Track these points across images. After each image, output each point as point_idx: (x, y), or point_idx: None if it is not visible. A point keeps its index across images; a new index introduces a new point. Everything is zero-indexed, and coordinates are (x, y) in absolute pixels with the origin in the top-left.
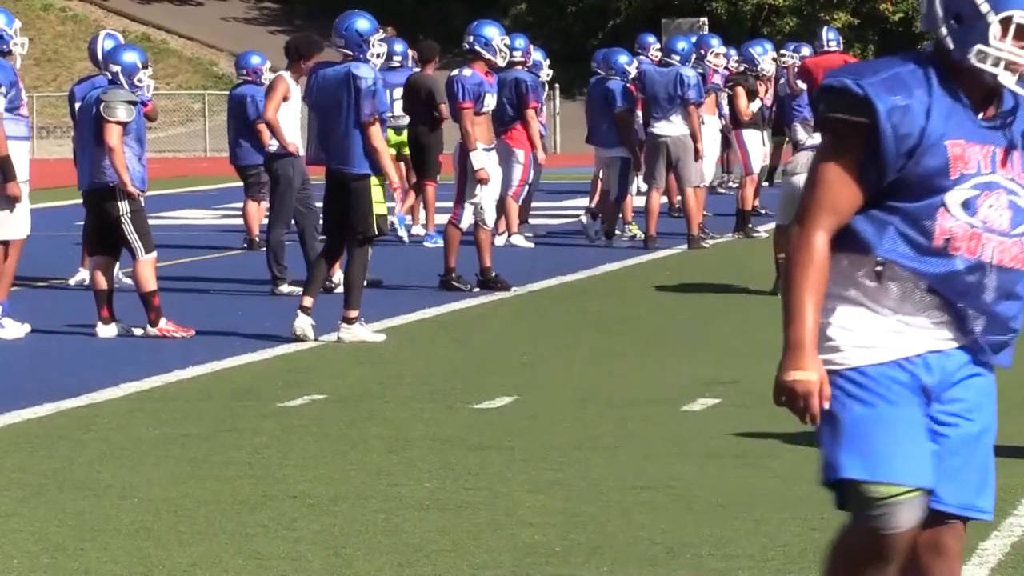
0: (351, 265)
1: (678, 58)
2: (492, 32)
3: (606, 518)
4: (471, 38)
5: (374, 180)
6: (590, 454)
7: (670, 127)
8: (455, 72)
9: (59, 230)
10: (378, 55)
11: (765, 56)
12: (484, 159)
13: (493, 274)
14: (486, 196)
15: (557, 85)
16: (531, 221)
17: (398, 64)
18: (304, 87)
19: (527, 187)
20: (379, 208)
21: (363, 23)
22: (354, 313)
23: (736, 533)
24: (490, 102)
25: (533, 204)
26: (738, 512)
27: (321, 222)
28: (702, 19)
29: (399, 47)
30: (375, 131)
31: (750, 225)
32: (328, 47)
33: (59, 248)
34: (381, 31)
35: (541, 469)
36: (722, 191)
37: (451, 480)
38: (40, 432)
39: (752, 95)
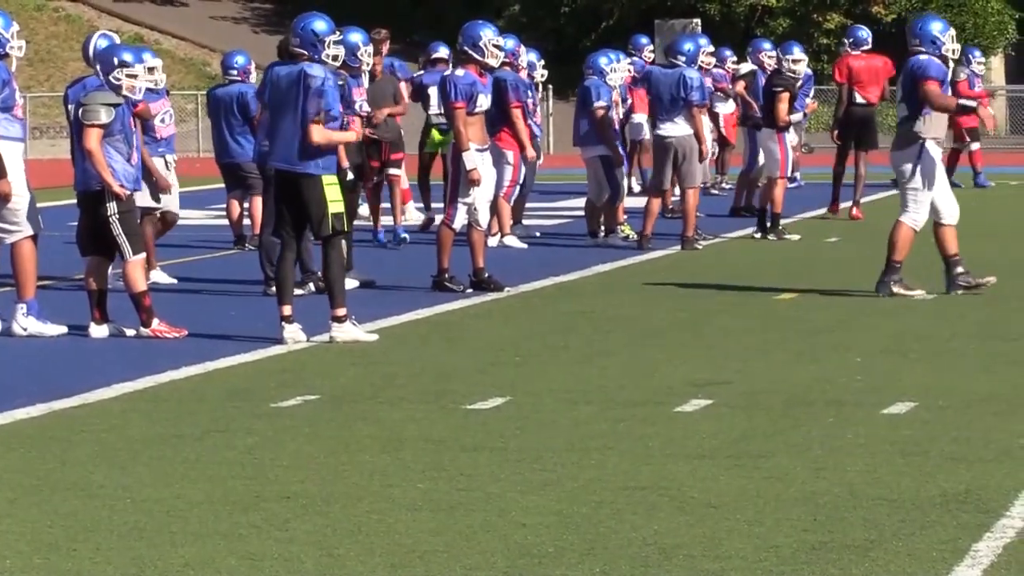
0: (327, 265)
1: (683, 59)
2: (481, 33)
3: (599, 519)
4: (461, 39)
5: (328, 180)
6: (583, 455)
7: (675, 128)
8: (447, 72)
9: (52, 230)
10: (334, 57)
11: (787, 57)
12: (477, 159)
13: (486, 275)
14: (479, 197)
15: (550, 86)
16: (524, 222)
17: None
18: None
19: (518, 187)
20: (335, 207)
21: (320, 24)
22: (342, 311)
23: (729, 534)
24: (483, 102)
25: (527, 205)
26: (730, 513)
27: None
28: (695, 20)
29: (443, 49)
30: (316, 129)
31: (780, 227)
32: None
33: (52, 248)
34: (338, 32)
35: (534, 470)
36: (715, 192)
37: (444, 481)
38: (32, 432)
39: (794, 100)
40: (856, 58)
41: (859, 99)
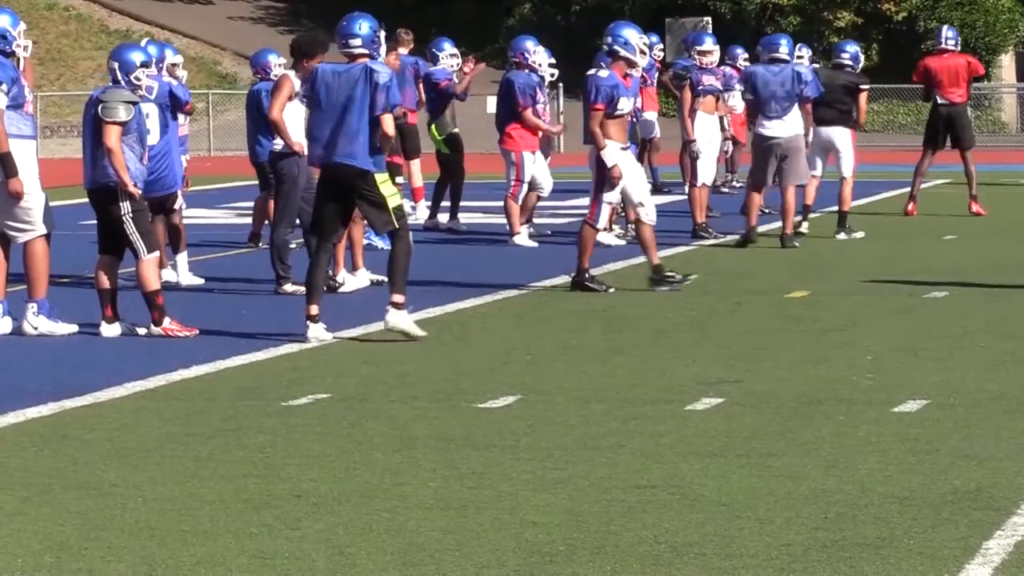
0: (395, 252)
1: (786, 54)
2: (631, 33)
3: (610, 517)
4: (610, 39)
5: (380, 177)
6: (594, 453)
7: (783, 127)
8: (591, 72)
9: (64, 229)
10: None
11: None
12: (618, 156)
13: (588, 275)
14: (641, 191)
15: (561, 85)
16: (535, 220)
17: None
18: (305, 87)
19: (524, 186)
20: (394, 200)
21: (372, 22)
22: (400, 299)
23: (740, 532)
24: (624, 105)
25: (538, 203)
26: (742, 511)
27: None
28: (706, 18)
29: (447, 45)
30: (388, 119)
31: (848, 225)
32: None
33: (63, 247)
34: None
35: (545, 468)
36: (725, 191)
37: (455, 479)
38: (44, 431)
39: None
40: (933, 58)
41: (940, 99)
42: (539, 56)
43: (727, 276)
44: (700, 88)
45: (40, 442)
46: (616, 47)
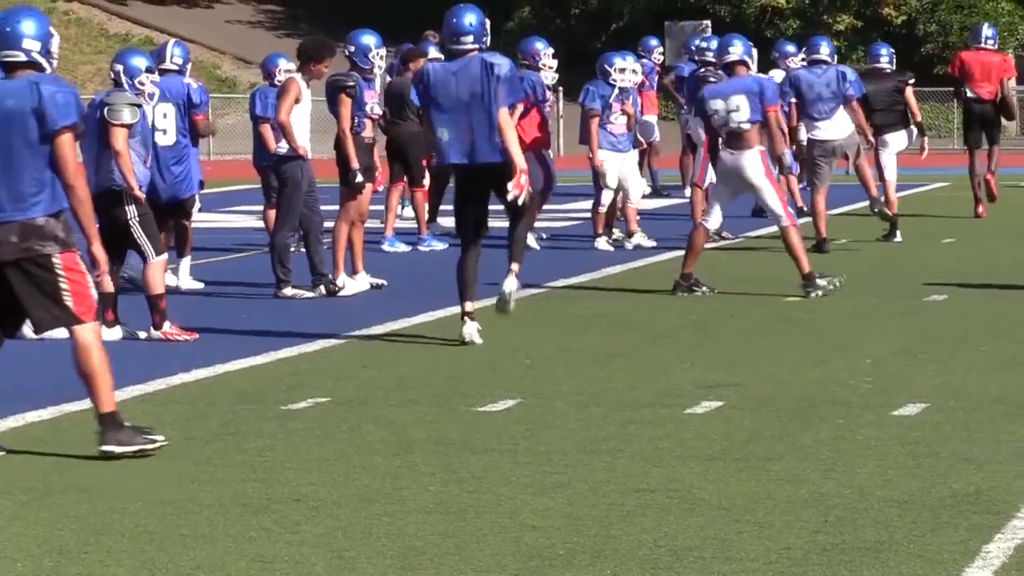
0: (516, 225)
1: (828, 55)
2: (745, 42)
3: (609, 521)
4: (732, 48)
5: None
6: (593, 457)
7: (836, 128)
8: (757, 75)
9: None
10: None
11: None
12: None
13: (815, 274)
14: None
15: (561, 88)
16: (536, 224)
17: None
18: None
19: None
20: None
21: (477, 13)
22: (518, 266)
23: (739, 536)
24: None
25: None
26: (741, 515)
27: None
28: (705, 22)
29: (432, 49)
30: (504, 115)
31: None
32: (339, 48)
33: None
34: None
35: (544, 472)
36: None
37: (454, 483)
38: (43, 435)
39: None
40: (969, 52)
41: (970, 94)
42: (547, 59)
43: (726, 279)
44: None
45: (40, 446)
46: (744, 56)
